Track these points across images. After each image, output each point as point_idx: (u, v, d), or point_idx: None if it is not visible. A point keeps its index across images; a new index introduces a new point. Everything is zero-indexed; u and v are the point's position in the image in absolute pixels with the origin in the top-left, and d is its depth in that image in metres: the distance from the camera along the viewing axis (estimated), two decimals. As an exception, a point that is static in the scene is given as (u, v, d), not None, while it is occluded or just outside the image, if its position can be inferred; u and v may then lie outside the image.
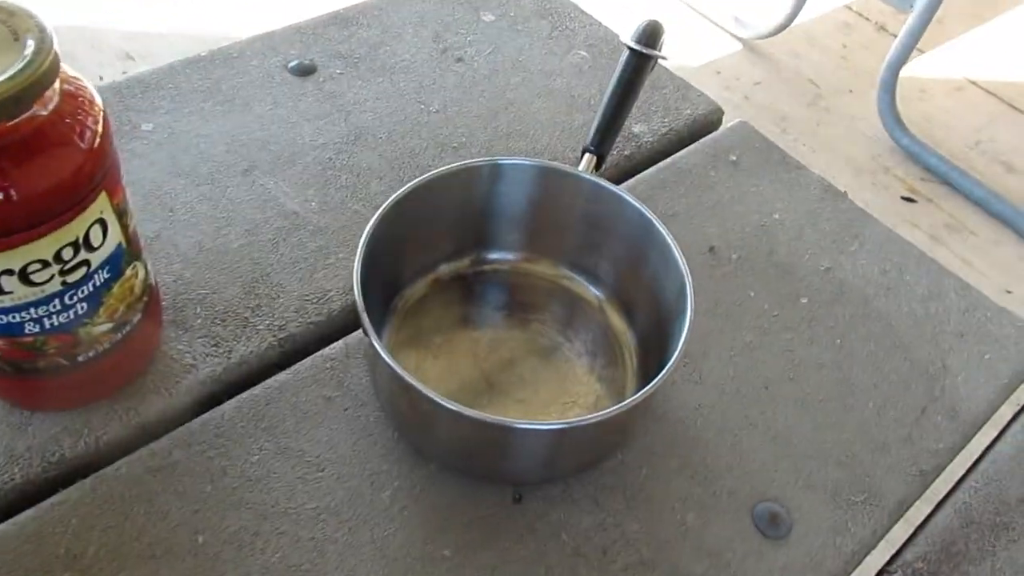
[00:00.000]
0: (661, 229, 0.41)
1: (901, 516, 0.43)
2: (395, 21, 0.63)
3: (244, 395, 0.42)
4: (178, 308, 0.44)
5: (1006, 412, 0.48)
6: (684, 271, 0.39)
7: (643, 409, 0.41)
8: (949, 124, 2.04)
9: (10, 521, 0.37)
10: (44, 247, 0.32)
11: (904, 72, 1.98)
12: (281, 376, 0.43)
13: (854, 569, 0.41)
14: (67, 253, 0.33)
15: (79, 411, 0.40)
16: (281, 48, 0.59)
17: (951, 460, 0.45)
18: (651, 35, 0.48)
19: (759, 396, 0.46)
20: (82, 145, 0.32)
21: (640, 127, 0.59)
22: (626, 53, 0.48)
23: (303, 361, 0.44)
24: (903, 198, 1.74)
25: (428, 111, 0.57)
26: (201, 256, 0.47)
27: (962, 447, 0.46)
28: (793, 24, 2.14)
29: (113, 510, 0.37)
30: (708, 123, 0.62)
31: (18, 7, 0.31)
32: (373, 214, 0.40)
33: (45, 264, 0.32)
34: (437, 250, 0.46)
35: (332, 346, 0.44)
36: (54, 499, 0.37)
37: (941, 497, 0.44)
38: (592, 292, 0.46)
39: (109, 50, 1.54)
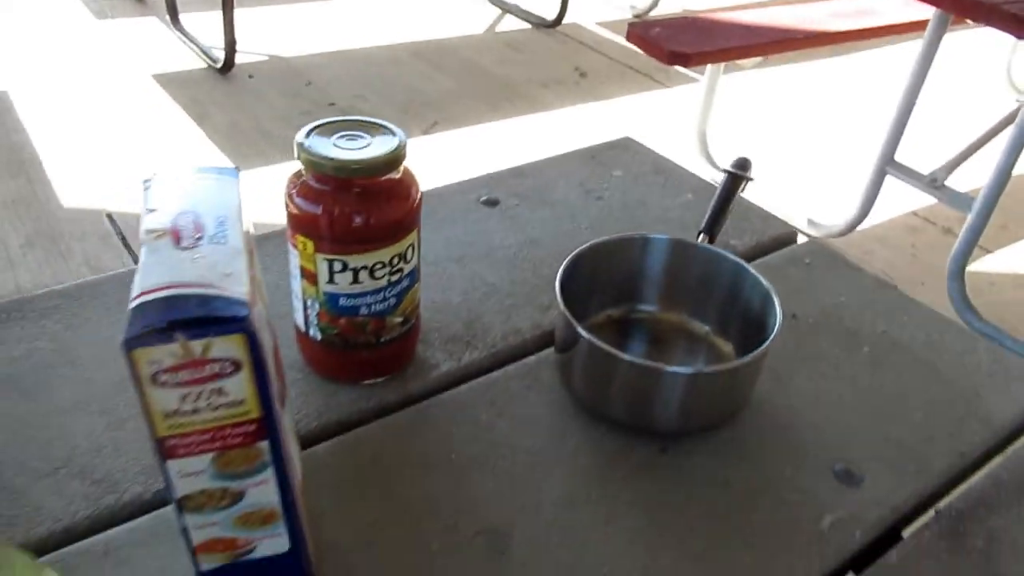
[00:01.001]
0: (751, 269, 0.61)
1: (946, 481, 0.58)
2: (552, 174, 0.89)
3: (473, 382, 0.62)
4: (423, 335, 0.66)
5: (1031, 427, 0.64)
6: (768, 286, 0.59)
7: (754, 371, 0.58)
8: (1020, 314, 2.18)
9: (332, 440, 0.56)
10: (384, 254, 0.55)
11: (974, 268, 2.16)
12: (495, 373, 0.63)
13: (911, 509, 0.56)
14: (395, 261, 0.55)
15: (366, 388, 0.61)
16: (476, 189, 0.85)
17: (986, 448, 0.60)
18: (742, 164, 0.70)
19: (834, 402, 0.63)
20: (411, 199, 0.55)
21: (735, 241, 0.80)
22: (725, 175, 0.70)
23: (508, 366, 0.64)
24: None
25: (579, 228, 0.80)
26: (434, 307, 0.69)
27: (993, 442, 0.61)
28: (863, 228, 2.38)
29: (395, 439, 0.57)
30: (787, 240, 0.83)
31: (383, 122, 0.56)
32: (547, 287, 0.62)
33: (383, 265, 0.55)
34: (604, 299, 0.66)
35: (526, 359, 0.64)
36: (359, 430, 0.57)
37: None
38: (703, 328, 0.66)
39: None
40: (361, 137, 0.54)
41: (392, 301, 0.57)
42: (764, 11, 2.80)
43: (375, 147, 0.53)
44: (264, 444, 0.37)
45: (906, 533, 0.55)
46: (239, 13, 2.82)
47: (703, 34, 2.54)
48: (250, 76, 2.94)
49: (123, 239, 1.99)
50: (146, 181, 0.41)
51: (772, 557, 0.52)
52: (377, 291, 0.55)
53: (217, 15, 2.78)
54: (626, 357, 0.54)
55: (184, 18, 3.21)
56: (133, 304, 0.33)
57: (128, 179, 2.27)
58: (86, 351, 0.62)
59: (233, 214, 0.40)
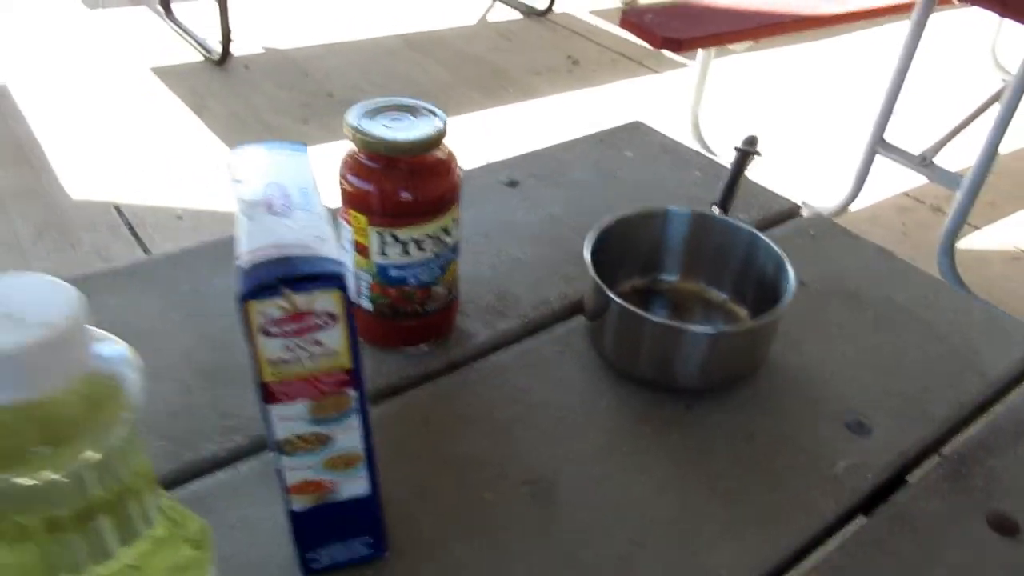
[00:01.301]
0: (764, 238, 0.66)
1: (947, 429, 0.63)
2: (568, 157, 0.93)
3: (508, 348, 0.66)
4: (459, 305, 0.70)
5: None
6: (780, 254, 0.64)
7: (771, 331, 0.63)
8: (1008, 288, 2.25)
9: (383, 403, 0.61)
10: (431, 227, 0.59)
11: (963, 245, 2.21)
12: (528, 340, 0.68)
13: (917, 454, 0.61)
14: (440, 234, 0.60)
15: (412, 355, 0.65)
16: (496, 172, 0.89)
17: (983, 398, 0.65)
18: (751, 141, 0.75)
19: (843, 360, 0.68)
20: (452, 175, 0.60)
21: (743, 215, 0.85)
22: (736, 152, 0.75)
23: (539, 333, 0.68)
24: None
25: (596, 206, 0.85)
26: (467, 280, 0.73)
27: (990, 393, 0.66)
28: (854, 208, 2.43)
29: (441, 401, 0.61)
30: (791, 214, 0.87)
31: (425, 104, 0.60)
32: (570, 260, 0.66)
33: (430, 237, 0.59)
34: (628, 270, 0.71)
35: (556, 326, 0.69)
36: (407, 394, 0.62)
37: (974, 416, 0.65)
38: (720, 295, 0.71)
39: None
40: (406, 118, 0.58)
41: (438, 272, 0.61)
42: (755, -4, 2.83)
43: (421, 127, 0.57)
44: (353, 392, 0.41)
45: (912, 478, 0.60)
46: (232, 2, 2.84)
47: (694, 20, 2.58)
48: (246, 67, 2.97)
49: (131, 229, 2.02)
50: (229, 158, 0.46)
51: (793, 499, 0.57)
52: (425, 262, 0.60)
53: (208, 4, 2.81)
54: (653, 318, 0.59)
55: (176, 7, 3.23)
56: (245, 263, 0.38)
57: (132, 169, 2.30)
58: (148, 324, 0.66)
59: (311, 185, 0.44)
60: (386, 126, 0.57)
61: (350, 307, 0.39)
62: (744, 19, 2.60)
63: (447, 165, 0.59)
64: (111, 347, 0.30)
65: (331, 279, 0.38)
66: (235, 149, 0.47)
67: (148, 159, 2.36)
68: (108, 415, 0.29)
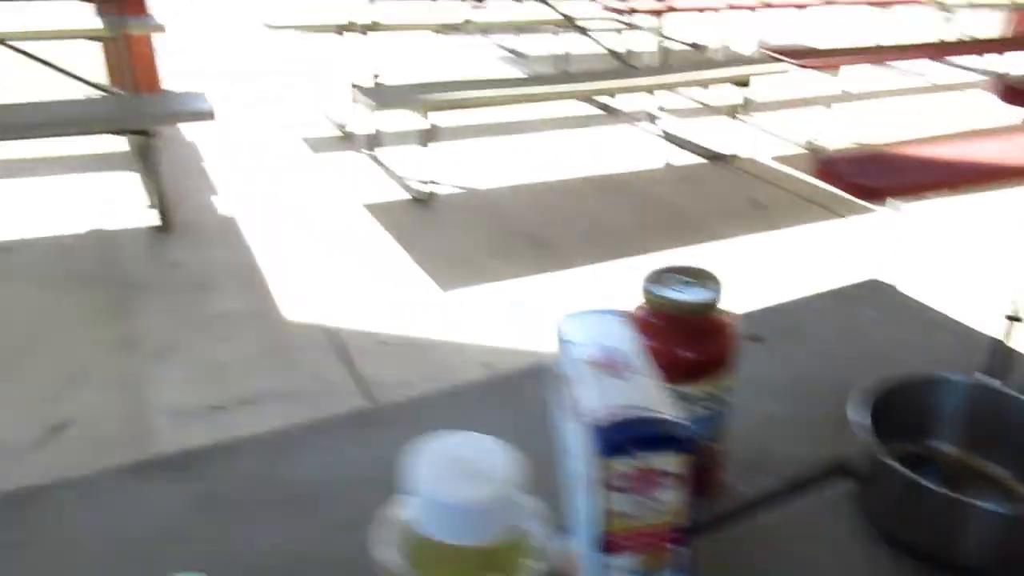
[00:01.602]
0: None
1: None
2: (807, 313, 0.94)
3: (771, 505, 0.66)
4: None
5: None
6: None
7: None
8: None
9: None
10: (712, 386, 0.61)
11: None
12: (790, 498, 0.67)
13: None
14: (720, 392, 0.62)
15: (674, 506, 0.66)
16: (743, 327, 0.91)
17: None
18: (1017, 311, 0.73)
19: None
20: (732, 334, 0.62)
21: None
22: (1006, 320, 0.73)
23: (800, 492, 0.68)
24: None
25: (844, 364, 0.85)
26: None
27: None
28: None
29: (715, 556, 0.61)
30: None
31: (698, 267, 0.64)
32: (826, 421, 0.66)
33: (711, 396, 0.61)
34: (897, 434, 0.69)
35: (817, 485, 0.68)
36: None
37: None
38: (1001, 471, 0.68)
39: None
40: (689, 281, 0.62)
41: (718, 429, 0.63)
42: (954, 145, 2.78)
43: (703, 289, 0.61)
44: (681, 549, 0.43)
45: None
46: (434, 147, 3.10)
47: (890, 168, 2.56)
48: (446, 206, 3.19)
49: (341, 352, 2.18)
50: (560, 321, 0.51)
51: None
52: (708, 419, 0.62)
53: (411, 148, 3.07)
54: (942, 491, 0.58)
55: (383, 152, 3.55)
56: (602, 423, 0.41)
57: (344, 296, 2.49)
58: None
59: (636, 348, 0.48)
60: (675, 289, 0.61)
61: (691, 469, 0.41)
62: (944, 169, 2.55)
63: (727, 325, 0.62)
64: (523, 499, 0.33)
65: (678, 443, 0.41)
66: (564, 317, 0.51)
67: (358, 287, 2.55)
68: (524, 563, 0.32)
